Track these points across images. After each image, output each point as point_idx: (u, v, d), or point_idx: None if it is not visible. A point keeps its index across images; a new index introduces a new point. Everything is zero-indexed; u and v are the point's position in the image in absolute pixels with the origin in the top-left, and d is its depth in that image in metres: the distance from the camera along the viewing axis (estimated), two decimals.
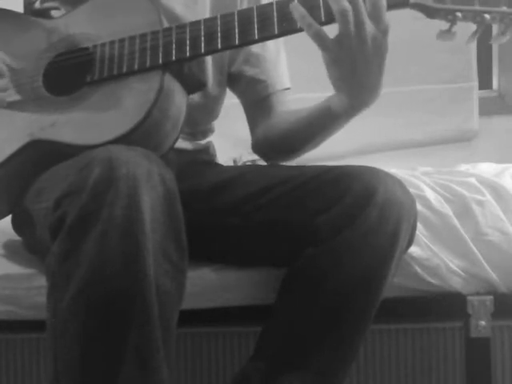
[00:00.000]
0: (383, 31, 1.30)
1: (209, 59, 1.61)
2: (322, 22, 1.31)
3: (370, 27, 1.29)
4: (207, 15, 1.59)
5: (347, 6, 1.28)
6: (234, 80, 1.67)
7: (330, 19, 1.31)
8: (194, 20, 1.43)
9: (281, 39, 1.65)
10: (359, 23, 1.28)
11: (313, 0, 1.33)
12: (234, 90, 1.69)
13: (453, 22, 1.32)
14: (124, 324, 1.19)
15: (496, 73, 2.51)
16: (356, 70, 1.32)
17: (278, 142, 1.59)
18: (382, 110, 2.22)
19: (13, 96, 1.48)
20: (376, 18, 1.30)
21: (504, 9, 1.31)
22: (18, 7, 1.60)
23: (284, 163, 1.64)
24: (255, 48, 1.63)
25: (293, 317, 1.42)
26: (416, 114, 2.33)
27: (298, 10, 1.31)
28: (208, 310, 1.54)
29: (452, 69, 2.32)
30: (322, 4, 1.33)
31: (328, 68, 1.34)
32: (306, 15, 1.30)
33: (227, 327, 1.63)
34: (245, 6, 1.62)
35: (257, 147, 1.66)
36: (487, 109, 2.43)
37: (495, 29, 1.35)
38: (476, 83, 2.36)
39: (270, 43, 1.64)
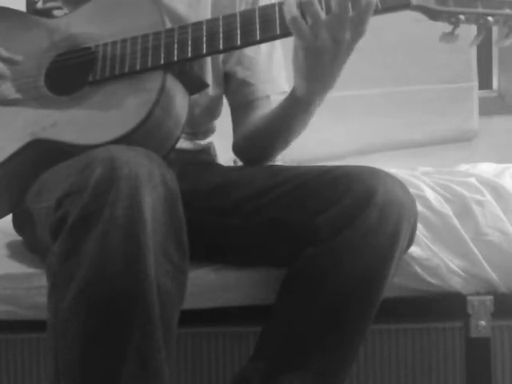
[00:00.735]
0: (359, 38, 1.32)
1: (208, 59, 1.61)
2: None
3: (345, 29, 1.31)
4: (209, 15, 1.59)
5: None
6: (226, 80, 1.67)
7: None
8: (196, 20, 1.44)
9: (277, 43, 1.66)
10: (336, 20, 1.30)
11: None
12: (224, 90, 1.69)
13: (456, 24, 1.32)
14: (125, 324, 1.19)
15: (496, 73, 2.51)
16: (321, 62, 1.34)
17: (250, 140, 1.60)
18: (382, 110, 2.23)
19: (13, 95, 1.48)
20: (357, 24, 1.31)
21: (507, 11, 1.31)
22: (21, 7, 1.60)
23: (260, 165, 1.64)
24: (248, 51, 1.63)
25: (293, 317, 1.42)
26: (416, 114, 2.33)
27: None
28: (208, 309, 1.54)
29: (452, 69, 2.32)
30: None
31: (295, 55, 1.36)
32: (291, 2, 1.32)
33: (227, 327, 1.62)
34: (243, 5, 1.62)
35: (235, 149, 1.66)
36: (487, 109, 2.43)
37: (496, 31, 1.35)
38: (476, 83, 2.36)
39: (263, 47, 1.64)
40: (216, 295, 1.54)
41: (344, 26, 1.30)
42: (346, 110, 2.19)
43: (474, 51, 2.32)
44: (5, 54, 1.47)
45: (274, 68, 1.67)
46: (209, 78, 1.61)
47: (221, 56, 1.64)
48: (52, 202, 1.27)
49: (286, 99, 1.49)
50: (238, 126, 1.66)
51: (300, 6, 1.31)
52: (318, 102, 1.45)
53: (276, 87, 1.66)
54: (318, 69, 1.36)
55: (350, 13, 1.30)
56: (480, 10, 1.31)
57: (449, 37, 1.33)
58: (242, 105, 1.65)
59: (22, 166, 1.43)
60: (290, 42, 1.53)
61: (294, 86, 1.44)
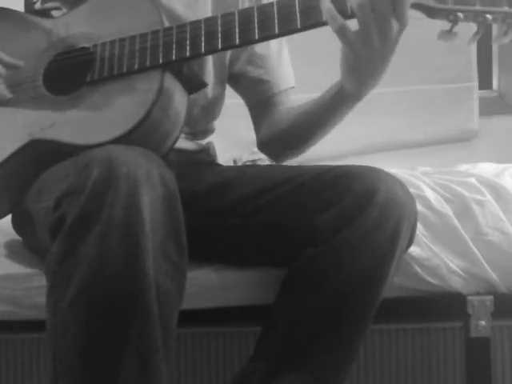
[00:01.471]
0: (402, 27, 1.30)
1: (209, 59, 1.61)
2: (347, 16, 1.30)
3: (392, 24, 1.29)
4: (209, 14, 1.59)
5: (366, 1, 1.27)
6: (236, 80, 1.67)
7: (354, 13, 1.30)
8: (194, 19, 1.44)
9: (283, 40, 1.66)
10: (381, 19, 1.28)
11: None
12: (236, 89, 1.69)
13: (454, 22, 1.32)
14: (124, 324, 1.19)
15: (496, 73, 2.51)
16: (372, 62, 1.34)
17: (284, 136, 1.60)
18: (383, 110, 2.23)
19: (11, 95, 1.48)
20: (399, 15, 1.29)
21: (506, 9, 1.31)
22: (19, 7, 1.60)
23: (291, 160, 1.64)
24: (259, 48, 1.64)
25: (293, 317, 1.42)
26: (416, 113, 2.33)
27: (324, 2, 1.31)
28: (208, 309, 1.54)
29: (452, 69, 2.32)
30: None
31: (345, 59, 1.35)
32: (331, 8, 1.30)
33: (227, 327, 1.63)
34: (246, 4, 1.62)
35: (263, 146, 1.67)
36: (487, 109, 2.44)
37: (495, 29, 1.35)
38: (476, 83, 2.36)
39: (273, 42, 1.65)
40: (216, 295, 1.54)
41: (390, 22, 1.28)
42: None
43: (474, 51, 2.32)
44: (7, 59, 1.48)
45: (284, 63, 1.68)
46: (210, 78, 1.61)
47: (227, 56, 1.64)
48: (51, 202, 1.27)
49: (334, 95, 1.46)
50: (260, 123, 1.66)
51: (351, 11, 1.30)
52: (365, 96, 1.43)
53: (288, 81, 1.66)
54: (370, 68, 1.35)
55: (391, 8, 1.28)
56: (478, 7, 1.31)
57: (447, 34, 1.33)
58: (261, 102, 1.66)
59: (21, 166, 1.43)
60: (294, 39, 1.54)
61: (342, 85, 1.42)
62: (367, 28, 1.28)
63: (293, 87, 1.67)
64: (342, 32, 1.30)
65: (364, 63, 1.34)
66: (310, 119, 1.54)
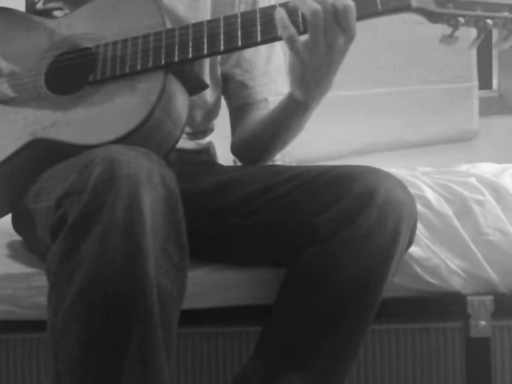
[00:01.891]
0: (350, 39, 1.33)
1: (206, 60, 1.61)
2: (299, 31, 1.34)
3: (338, 34, 1.32)
4: (208, 15, 1.59)
5: (318, 7, 1.31)
6: (224, 81, 1.67)
7: (305, 28, 1.33)
8: (196, 21, 1.44)
9: (277, 46, 1.66)
10: (328, 29, 1.31)
11: (293, 10, 1.35)
12: (223, 91, 1.69)
13: (455, 26, 1.32)
14: (125, 324, 1.19)
15: (496, 73, 2.52)
16: (318, 72, 1.36)
17: (247, 142, 1.62)
18: (382, 110, 2.23)
19: (13, 94, 1.48)
20: (345, 26, 1.32)
21: (506, 14, 1.31)
22: (21, 7, 1.60)
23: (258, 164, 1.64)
24: (248, 53, 1.64)
25: (293, 317, 1.41)
26: (416, 114, 2.33)
27: (279, 13, 1.34)
28: (208, 309, 1.54)
29: (452, 69, 2.32)
30: (300, 14, 1.34)
31: (292, 69, 1.38)
32: (284, 17, 1.33)
33: (227, 327, 1.62)
34: (243, 5, 1.62)
35: (233, 149, 1.68)
36: (487, 109, 2.44)
37: (496, 33, 1.35)
38: (476, 83, 2.36)
39: (262, 50, 1.65)
40: (216, 295, 1.54)
41: (336, 34, 1.31)
42: (346, 110, 2.19)
43: (474, 51, 2.33)
44: (4, 66, 1.48)
45: (272, 71, 1.68)
46: (207, 79, 1.61)
47: (218, 57, 1.64)
48: (52, 202, 1.27)
49: (284, 104, 1.49)
50: (235, 127, 1.67)
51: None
52: (314, 106, 1.46)
53: (274, 90, 1.66)
54: (315, 78, 1.37)
55: (337, 24, 1.31)
56: (479, 12, 1.31)
57: (448, 39, 1.33)
58: (240, 107, 1.66)
59: (21, 165, 1.43)
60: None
61: (290, 92, 1.45)
62: (315, 36, 1.31)
63: (282, 94, 1.67)
64: (291, 41, 1.33)
65: (310, 73, 1.36)
66: (267, 128, 1.56)
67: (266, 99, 1.67)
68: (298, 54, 1.34)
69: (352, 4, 1.31)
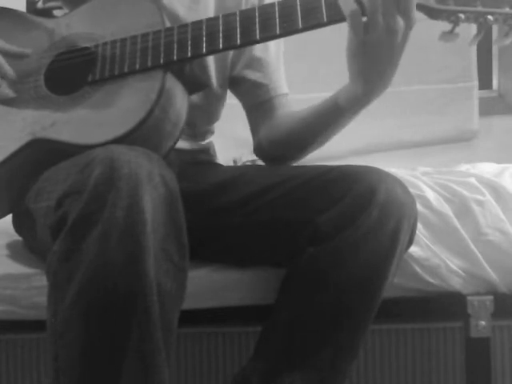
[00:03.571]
0: (410, 25, 1.31)
1: (212, 62, 1.61)
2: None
3: (397, 17, 1.29)
4: (210, 16, 1.59)
5: None
6: (235, 83, 1.67)
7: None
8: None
9: (281, 44, 1.66)
10: (387, 10, 1.28)
11: None
12: (235, 93, 1.69)
13: (455, 23, 1.32)
14: (125, 324, 1.19)
15: (496, 73, 2.52)
16: (380, 59, 1.33)
17: (282, 143, 1.59)
18: (383, 111, 2.23)
19: (13, 94, 1.48)
20: (406, 12, 1.29)
21: (507, 10, 1.31)
22: (21, 7, 1.60)
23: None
24: (257, 52, 1.63)
25: (293, 316, 1.42)
26: (416, 114, 2.33)
27: None
28: (208, 309, 1.54)
29: (452, 69, 2.33)
30: None
31: (353, 54, 1.34)
32: None
33: (227, 327, 1.62)
34: (249, 7, 1.62)
35: (259, 150, 1.65)
36: (487, 109, 2.44)
37: (496, 30, 1.35)
38: (476, 83, 2.37)
39: (272, 47, 1.65)
40: (216, 295, 1.54)
41: (395, 14, 1.29)
42: None
43: (474, 51, 2.33)
44: (14, 49, 1.48)
45: (281, 69, 1.67)
46: (212, 80, 1.61)
47: (229, 60, 1.63)
48: (52, 202, 1.27)
49: (328, 108, 1.46)
50: (258, 127, 1.65)
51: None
52: (362, 109, 1.43)
53: (282, 88, 1.66)
54: (375, 65, 1.34)
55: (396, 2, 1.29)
56: (480, 8, 1.31)
57: (448, 36, 1.33)
58: (257, 106, 1.65)
59: (21, 165, 1.43)
60: (291, 42, 1.54)
61: (338, 93, 1.42)
62: (374, 17, 1.28)
63: (286, 94, 1.66)
64: (353, 16, 1.29)
65: (370, 58, 1.32)
66: (309, 127, 1.53)
67: (283, 95, 1.65)
68: (359, 32, 1.30)
69: None
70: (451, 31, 1.33)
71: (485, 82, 2.50)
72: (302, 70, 2.16)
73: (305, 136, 1.54)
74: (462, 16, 1.31)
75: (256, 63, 1.64)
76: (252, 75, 1.64)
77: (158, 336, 1.21)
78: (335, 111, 1.45)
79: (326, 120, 1.48)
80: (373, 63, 1.34)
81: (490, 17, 1.31)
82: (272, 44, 1.63)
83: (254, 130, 1.65)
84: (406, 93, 2.31)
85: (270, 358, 1.41)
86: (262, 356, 1.43)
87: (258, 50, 1.62)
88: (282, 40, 1.65)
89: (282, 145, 1.59)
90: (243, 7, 1.61)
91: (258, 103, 1.65)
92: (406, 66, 2.27)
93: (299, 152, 1.59)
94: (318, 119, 1.50)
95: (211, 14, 1.60)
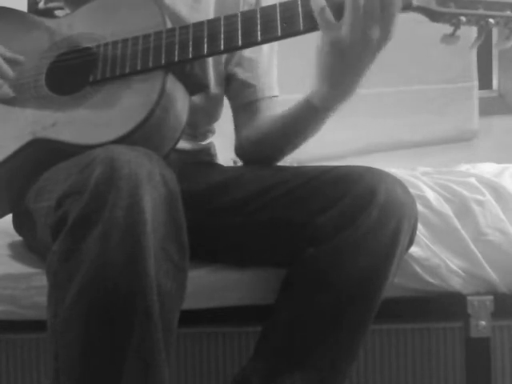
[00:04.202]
0: (386, 38, 1.30)
1: (209, 61, 1.61)
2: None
3: (376, 28, 1.29)
4: (211, 15, 1.59)
5: None
6: (226, 81, 1.67)
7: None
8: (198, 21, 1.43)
9: (275, 47, 1.66)
10: (368, 17, 1.28)
11: None
12: (225, 91, 1.69)
13: (457, 25, 1.32)
14: (125, 324, 1.19)
15: (496, 73, 2.52)
16: (348, 61, 1.33)
17: (260, 143, 1.59)
18: (382, 110, 2.23)
19: (14, 94, 1.48)
20: (385, 23, 1.29)
21: (508, 13, 1.31)
22: (22, 7, 1.60)
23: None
24: (249, 52, 1.63)
25: (293, 316, 1.42)
26: (416, 114, 2.33)
27: None
28: (208, 309, 1.54)
29: (452, 69, 2.33)
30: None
31: (323, 53, 1.34)
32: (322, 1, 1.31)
33: (227, 327, 1.62)
34: (246, 7, 1.62)
35: (239, 150, 1.65)
36: (487, 109, 2.44)
37: (496, 33, 1.35)
38: (476, 83, 2.37)
39: (265, 49, 1.64)
40: (216, 295, 1.54)
41: (374, 22, 1.29)
42: (346, 110, 2.19)
43: (474, 51, 2.32)
44: (8, 54, 1.48)
45: (272, 72, 1.67)
46: (210, 80, 1.61)
47: (223, 57, 1.63)
48: (52, 202, 1.27)
49: (301, 107, 1.46)
50: (241, 127, 1.65)
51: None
52: (333, 111, 1.43)
53: (272, 90, 1.65)
54: (343, 68, 1.34)
55: (379, 10, 1.28)
56: (481, 11, 1.31)
57: (449, 38, 1.33)
58: (244, 106, 1.65)
59: (22, 165, 1.43)
60: (285, 46, 1.54)
61: (310, 93, 1.42)
62: (353, 21, 1.28)
63: (276, 96, 1.66)
64: (322, 15, 1.30)
65: (338, 56, 1.32)
66: (285, 127, 1.53)
67: (270, 98, 1.64)
68: (329, 29, 1.30)
69: None
70: (452, 34, 1.33)
71: (485, 82, 2.50)
72: (297, 68, 2.15)
73: (280, 136, 1.54)
74: (463, 19, 1.31)
75: (247, 63, 1.64)
76: (242, 74, 1.64)
77: (158, 336, 1.21)
78: (309, 110, 1.45)
79: (302, 120, 1.48)
80: (338, 65, 1.34)
81: (491, 20, 1.31)
82: (265, 47, 1.63)
83: (237, 129, 1.65)
84: (406, 93, 2.31)
85: (270, 358, 1.41)
86: (262, 356, 1.43)
87: (249, 49, 1.61)
88: (276, 47, 1.66)
89: (260, 145, 1.59)
90: (241, 5, 1.61)
91: (244, 103, 1.64)
92: (406, 66, 2.29)
93: (276, 153, 1.58)
94: (293, 119, 1.50)
95: (212, 12, 1.60)
